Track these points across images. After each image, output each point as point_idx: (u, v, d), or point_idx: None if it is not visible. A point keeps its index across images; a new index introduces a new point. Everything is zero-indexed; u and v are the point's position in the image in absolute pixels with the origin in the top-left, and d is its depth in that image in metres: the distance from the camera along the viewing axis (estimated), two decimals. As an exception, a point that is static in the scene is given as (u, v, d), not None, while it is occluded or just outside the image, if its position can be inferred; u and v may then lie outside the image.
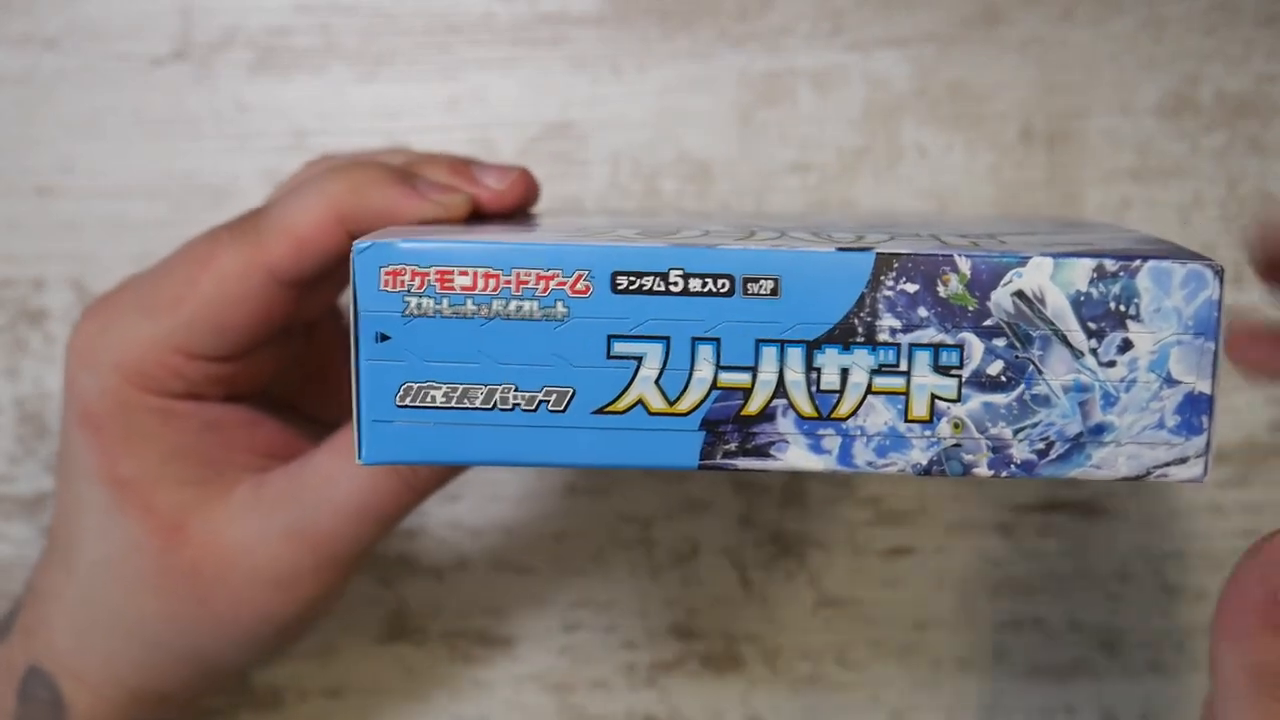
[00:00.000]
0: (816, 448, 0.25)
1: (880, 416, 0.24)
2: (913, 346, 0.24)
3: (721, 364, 0.24)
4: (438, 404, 0.25)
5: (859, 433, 0.24)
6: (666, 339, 0.24)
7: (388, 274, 0.24)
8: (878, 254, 0.24)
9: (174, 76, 0.40)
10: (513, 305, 0.24)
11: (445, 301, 0.24)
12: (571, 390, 0.24)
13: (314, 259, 0.30)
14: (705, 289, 0.24)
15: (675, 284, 0.24)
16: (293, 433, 0.33)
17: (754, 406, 0.24)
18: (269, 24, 0.40)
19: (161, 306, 0.30)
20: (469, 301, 0.24)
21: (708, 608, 0.41)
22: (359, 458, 0.25)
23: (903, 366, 0.24)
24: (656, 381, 0.24)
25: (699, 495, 0.41)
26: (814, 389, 0.24)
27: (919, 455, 0.25)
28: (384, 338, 0.24)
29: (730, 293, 0.24)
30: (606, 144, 0.40)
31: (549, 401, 0.24)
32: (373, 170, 0.30)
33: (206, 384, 0.31)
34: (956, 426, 0.24)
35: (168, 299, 0.30)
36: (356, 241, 0.25)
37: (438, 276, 0.24)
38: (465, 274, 0.24)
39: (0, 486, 0.41)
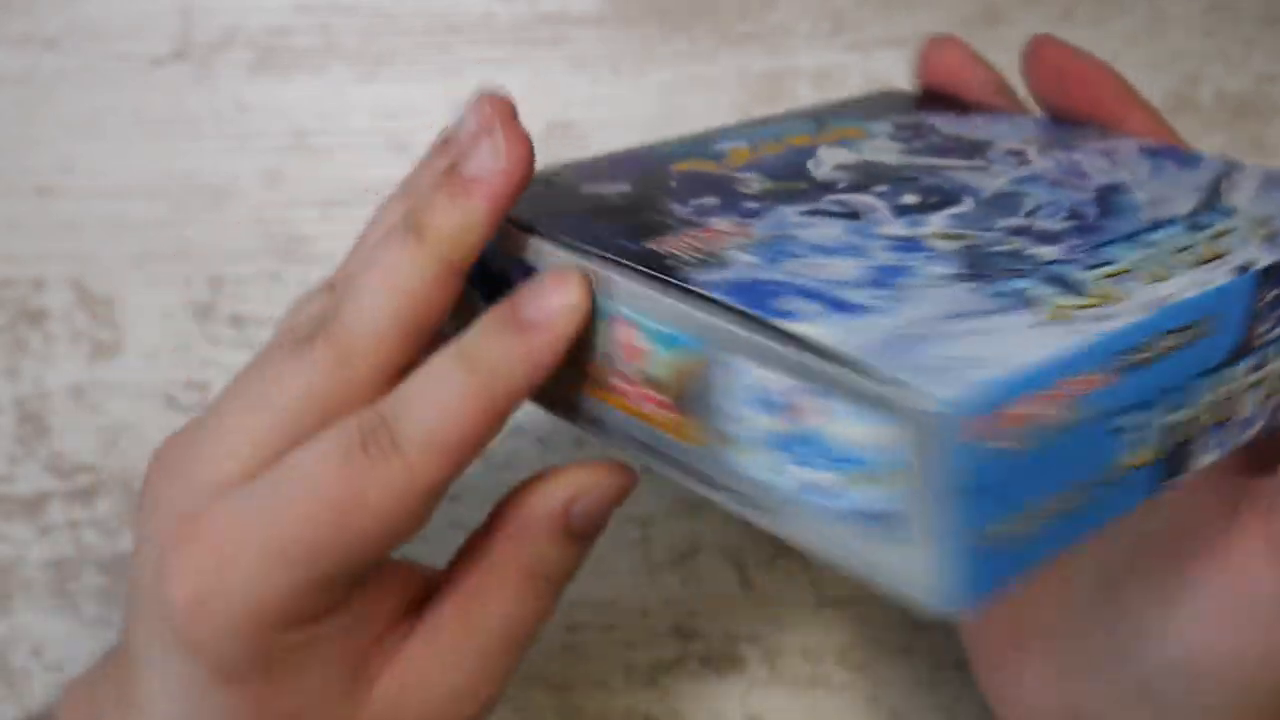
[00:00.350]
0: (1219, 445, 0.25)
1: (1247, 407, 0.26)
2: (1270, 341, 0.25)
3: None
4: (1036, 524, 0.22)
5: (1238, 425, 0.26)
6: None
7: (989, 418, 0.21)
8: (1259, 270, 0.24)
9: (174, 76, 0.40)
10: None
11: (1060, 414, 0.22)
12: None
13: (469, 457, 0.26)
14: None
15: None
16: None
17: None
18: (269, 24, 0.40)
19: (298, 557, 0.25)
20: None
21: (708, 608, 0.41)
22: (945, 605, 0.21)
23: (1268, 361, 0.25)
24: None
25: (699, 495, 0.41)
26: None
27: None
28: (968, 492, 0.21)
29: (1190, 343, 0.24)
30: (607, 144, 0.40)
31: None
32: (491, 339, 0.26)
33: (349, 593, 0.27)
34: None
35: (304, 547, 0.25)
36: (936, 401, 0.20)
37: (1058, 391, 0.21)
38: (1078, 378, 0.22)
39: (0, 486, 0.41)
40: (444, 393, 0.25)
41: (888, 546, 0.22)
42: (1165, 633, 0.28)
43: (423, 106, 0.40)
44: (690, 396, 0.24)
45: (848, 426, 0.22)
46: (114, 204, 0.40)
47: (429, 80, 0.40)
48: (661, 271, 0.25)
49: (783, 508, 0.23)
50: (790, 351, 0.22)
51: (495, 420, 0.26)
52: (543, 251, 0.27)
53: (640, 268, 0.25)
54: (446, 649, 0.28)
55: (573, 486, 0.28)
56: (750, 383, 0.23)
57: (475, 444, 0.25)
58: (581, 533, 0.28)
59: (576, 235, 0.26)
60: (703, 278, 0.24)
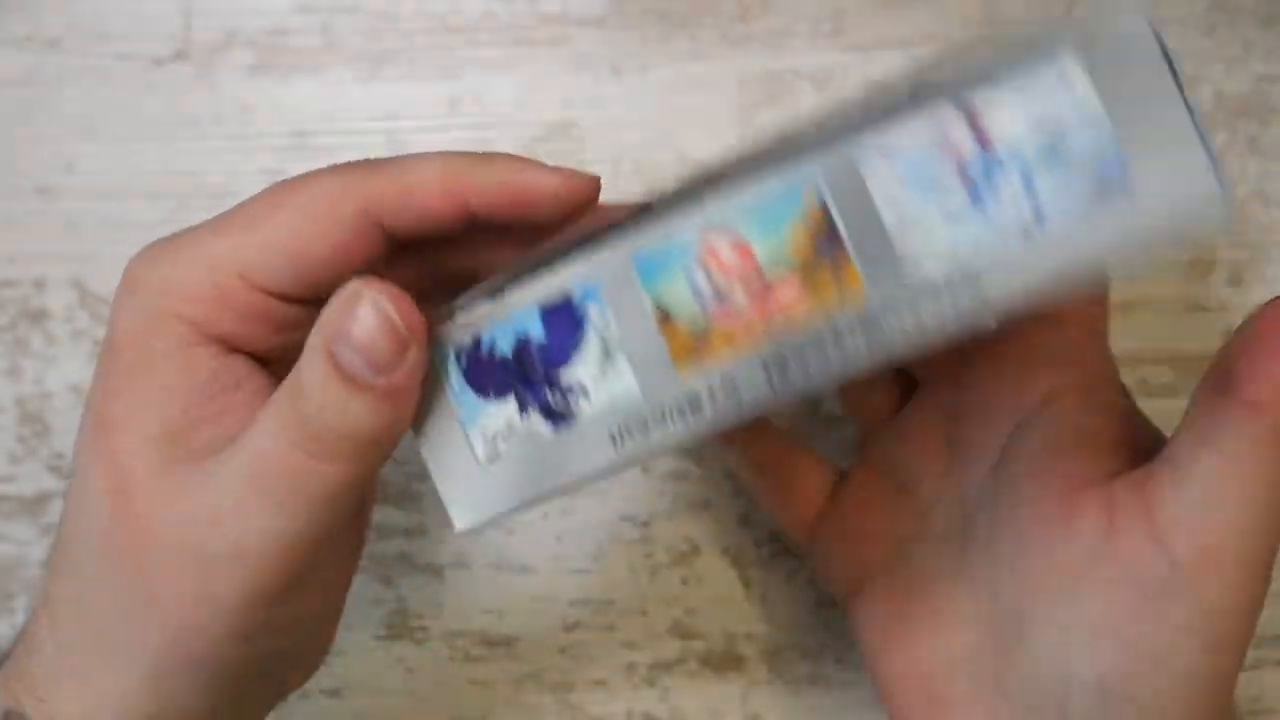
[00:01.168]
0: None
1: None
2: None
3: None
4: None
5: None
6: None
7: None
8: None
9: (174, 77, 0.40)
10: None
11: None
12: None
13: (418, 213, 0.28)
14: None
15: None
16: None
17: None
18: (269, 24, 0.40)
19: (235, 226, 0.28)
20: None
21: (708, 608, 0.41)
22: None
23: None
24: None
25: (699, 495, 0.41)
26: None
27: None
28: None
29: None
30: (606, 144, 0.40)
31: None
32: (495, 153, 0.29)
33: (254, 328, 0.28)
34: None
35: (243, 219, 0.28)
36: None
37: None
38: None
39: (0, 486, 0.41)
40: (429, 155, 0.29)
41: (1135, 184, 0.21)
42: (1069, 658, 0.28)
43: (423, 106, 0.40)
44: (822, 253, 0.23)
45: (1031, 102, 0.21)
46: (114, 204, 0.40)
47: (429, 80, 0.40)
48: (707, 175, 0.24)
49: (992, 269, 0.22)
50: (931, 76, 0.22)
51: (457, 201, 0.28)
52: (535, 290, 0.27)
53: (681, 191, 0.24)
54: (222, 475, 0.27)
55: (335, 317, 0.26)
56: (900, 164, 0.22)
57: (432, 200, 0.28)
58: (353, 375, 0.26)
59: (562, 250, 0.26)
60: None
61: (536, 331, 0.27)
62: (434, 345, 0.28)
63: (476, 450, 0.27)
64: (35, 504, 0.41)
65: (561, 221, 0.29)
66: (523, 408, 0.27)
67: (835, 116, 0.24)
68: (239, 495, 0.26)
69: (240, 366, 0.29)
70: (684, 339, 0.25)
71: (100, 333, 0.40)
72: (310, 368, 0.26)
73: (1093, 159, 0.21)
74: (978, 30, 0.41)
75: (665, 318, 0.25)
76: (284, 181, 0.28)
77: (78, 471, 0.28)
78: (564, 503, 0.41)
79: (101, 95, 0.40)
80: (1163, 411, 0.45)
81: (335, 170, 0.28)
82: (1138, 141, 0.21)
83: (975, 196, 0.22)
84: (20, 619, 0.41)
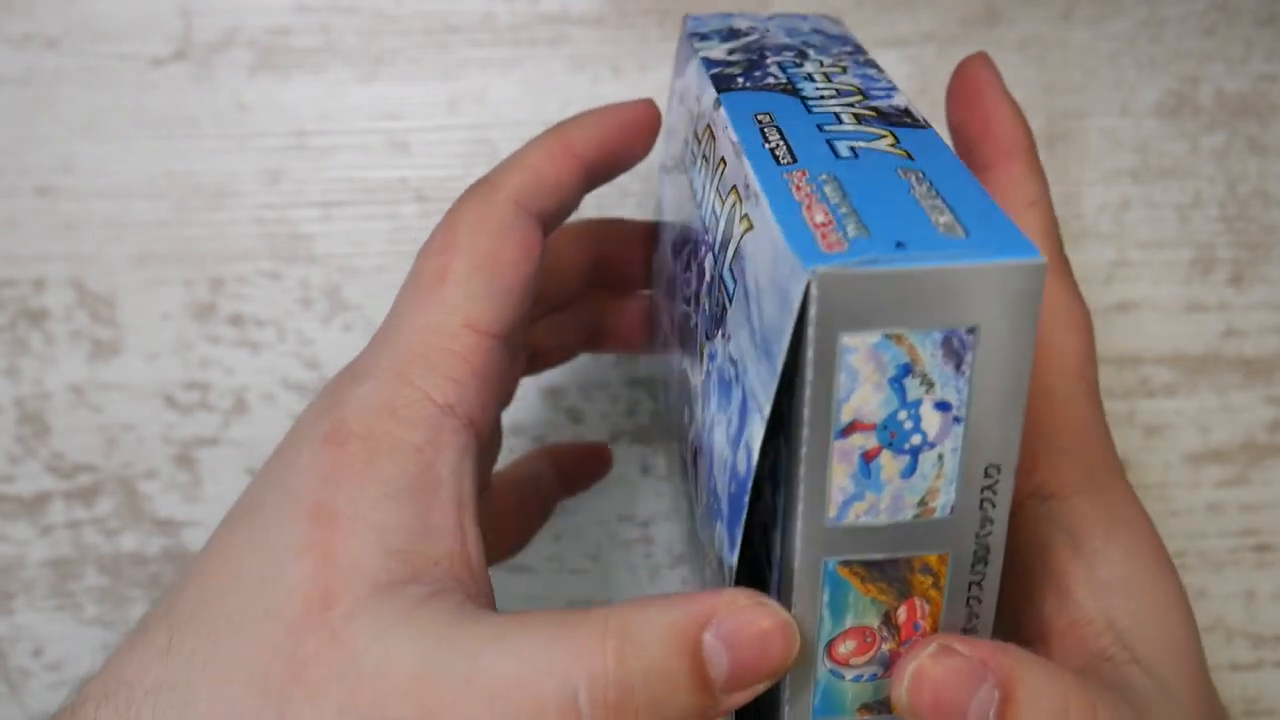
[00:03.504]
0: None
1: None
2: None
3: None
4: None
5: None
6: None
7: None
8: None
9: (174, 76, 0.40)
10: None
11: None
12: None
13: (551, 188, 0.28)
14: None
15: None
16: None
17: None
18: (269, 24, 0.40)
19: (429, 281, 0.26)
20: None
21: (707, 607, 0.41)
22: None
23: None
24: None
25: (699, 495, 0.41)
26: None
27: None
28: None
29: None
30: (606, 144, 0.40)
31: None
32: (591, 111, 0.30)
33: (493, 373, 0.26)
34: None
35: (431, 274, 0.26)
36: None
37: None
38: None
39: (0, 486, 0.41)
40: (540, 134, 0.29)
41: None
42: None
43: (423, 106, 0.40)
44: None
45: None
46: (114, 204, 0.40)
47: (429, 80, 0.40)
48: None
49: None
50: None
51: (573, 158, 0.29)
52: None
53: None
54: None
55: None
56: None
57: (554, 168, 0.29)
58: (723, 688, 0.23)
59: None
60: None
61: None
62: None
63: None
64: (34, 504, 0.41)
65: (644, 147, 0.30)
66: None
67: None
68: (461, 698, 0.22)
69: (469, 460, 0.26)
70: None
71: (101, 334, 0.40)
72: (663, 636, 0.22)
73: None
74: (977, 30, 0.41)
75: None
76: (432, 235, 0.28)
77: (271, 552, 0.24)
78: (564, 502, 0.41)
79: (101, 95, 0.40)
80: (1163, 411, 0.45)
81: (468, 195, 0.28)
82: None
83: None
84: (18, 618, 0.41)
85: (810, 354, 0.21)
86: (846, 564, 0.23)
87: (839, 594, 0.23)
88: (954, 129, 0.30)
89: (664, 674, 0.22)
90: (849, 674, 0.24)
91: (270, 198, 0.40)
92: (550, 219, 0.29)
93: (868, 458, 0.22)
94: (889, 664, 0.24)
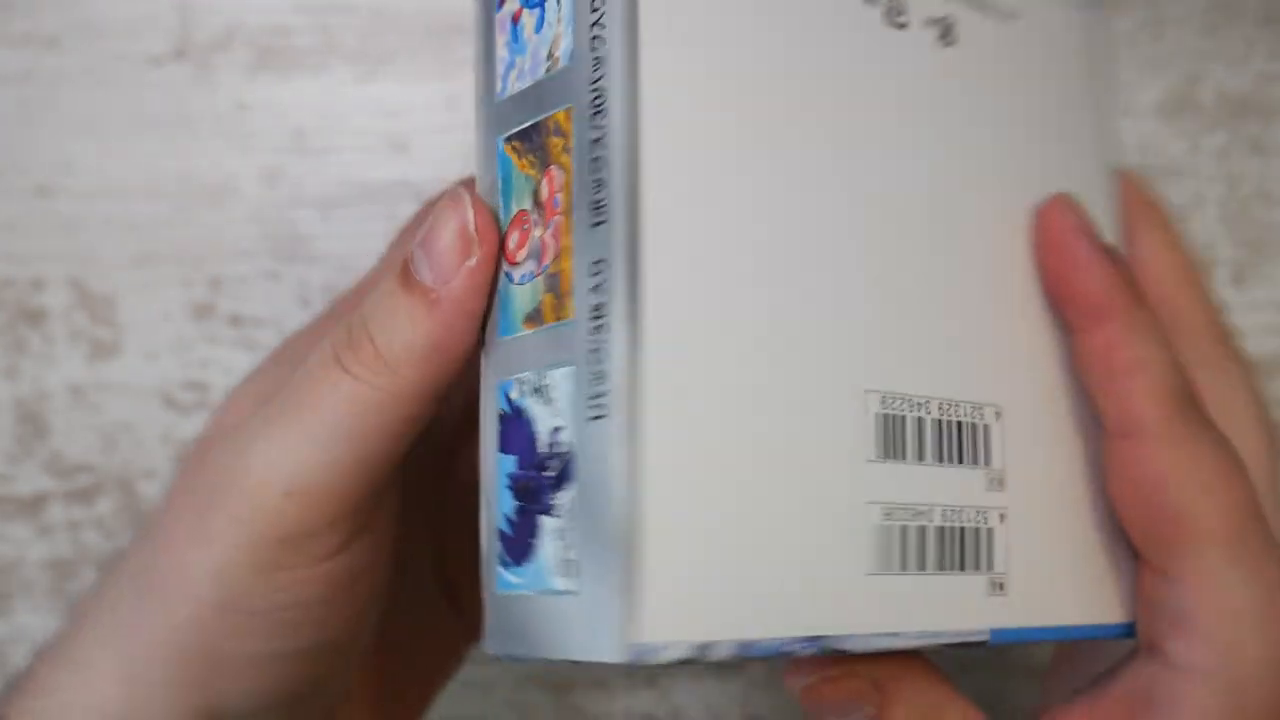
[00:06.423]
0: None
1: None
2: None
3: None
4: None
5: None
6: None
7: None
8: None
9: (174, 76, 0.40)
10: None
11: None
12: None
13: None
14: None
15: None
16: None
17: None
18: (269, 23, 0.40)
19: (298, 420, 0.25)
20: None
21: (708, 608, 0.41)
22: None
23: None
24: None
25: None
26: None
27: None
28: None
29: None
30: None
31: None
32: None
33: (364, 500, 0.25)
34: None
35: (300, 409, 0.25)
36: None
37: None
38: None
39: (0, 486, 0.41)
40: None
41: None
42: None
43: (423, 106, 0.40)
44: None
45: None
46: (114, 204, 0.40)
47: (429, 80, 0.40)
48: None
49: None
50: None
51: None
52: None
53: None
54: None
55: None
56: None
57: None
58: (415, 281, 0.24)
59: None
60: None
61: None
62: None
63: None
64: (33, 504, 0.41)
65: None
66: None
67: None
68: (270, 419, 0.24)
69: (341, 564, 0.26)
70: None
71: (100, 334, 0.40)
72: (378, 282, 0.25)
73: None
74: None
75: None
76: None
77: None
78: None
79: (100, 94, 0.40)
80: (1164, 411, 0.44)
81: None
82: None
83: None
84: (18, 619, 0.41)
85: None
86: (509, 139, 0.24)
87: (506, 175, 0.24)
88: (1043, 286, 0.27)
89: (382, 295, 0.24)
90: (516, 274, 0.23)
91: (270, 198, 0.40)
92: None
93: (515, 20, 0.24)
94: (540, 256, 0.23)
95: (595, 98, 0.22)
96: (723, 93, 0.23)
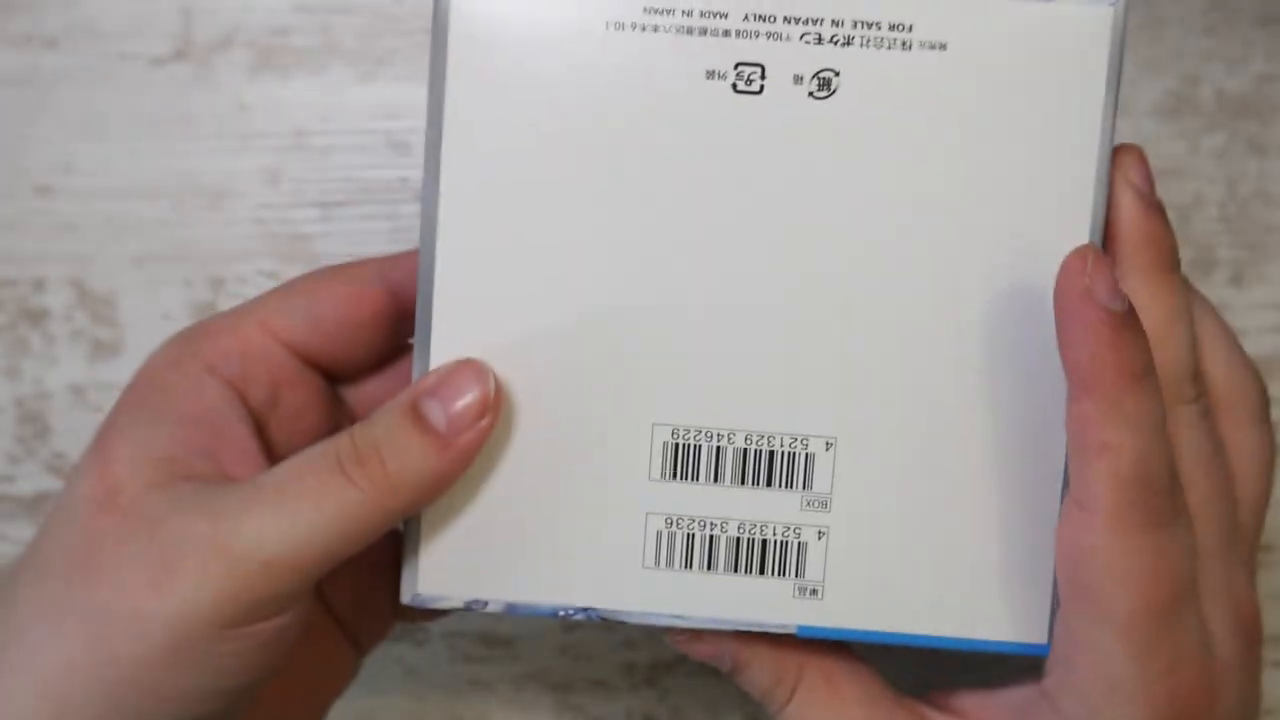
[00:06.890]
0: None
1: None
2: None
3: None
4: None
5: None
6: None
7: None
8: None
9: (174, 76, 0.40)
10: None
11: None
12: None
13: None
14: None
15: None
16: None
17: None
18: (269, 24, 0.40)
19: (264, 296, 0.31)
20: None
21: (708, 608, 0.41)
22: None
23: None
24: None
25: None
26: None
27: None
28: None
29: None
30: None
31: None
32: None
33: (262, 373, 0.30)
34: None
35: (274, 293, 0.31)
36: None
37: None
38: None
39: (0, 486, 0.41)
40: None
41: None
42: None
43: (423, 107, 0.40)
44: None
45: None
46: (114, 204, 0.40)
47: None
48: None
49: None
50: None
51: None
52: None
53: None
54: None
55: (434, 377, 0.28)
56: None
57: None
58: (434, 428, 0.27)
59: None
60: None
61: None
62: None
63: None
64: (34, 504, 0.41)
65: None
66: None
67: None
68: (261, 500, 0.26)
69: (243, 412, 0.29)
70: None
71: (100, 334, 0.40)
72: (385, 413, 0.27)
73: None
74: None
75: None
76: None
77: (66, 484, 0.28)
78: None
79: (101, 95, 0.40)
80: (1163, 411, 0.44)
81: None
82: None
83: None
84: (19, 619, 0.41)
85: None
86: None
87: None
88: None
89: (394, 428, 0.27)
90: None
91: (270, 198, 0.40)
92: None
93: None
94: None
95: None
96: (524, 162, 0.27)
